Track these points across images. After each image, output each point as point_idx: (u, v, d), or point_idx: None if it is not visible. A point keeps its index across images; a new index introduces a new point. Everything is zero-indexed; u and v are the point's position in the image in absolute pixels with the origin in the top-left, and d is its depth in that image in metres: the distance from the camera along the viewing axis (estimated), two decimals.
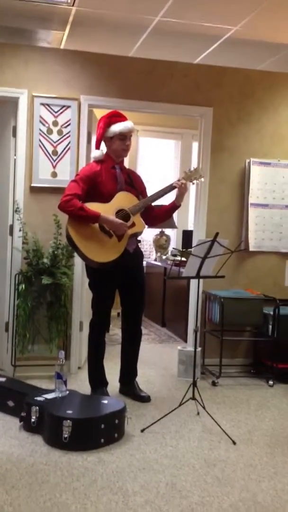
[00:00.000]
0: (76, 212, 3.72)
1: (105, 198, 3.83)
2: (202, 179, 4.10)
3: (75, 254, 4.53)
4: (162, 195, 3.96)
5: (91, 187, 3.83)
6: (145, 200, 3.92)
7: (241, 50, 4.82)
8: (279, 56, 4.92)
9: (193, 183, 4.11)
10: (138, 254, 4.08)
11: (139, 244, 4.10)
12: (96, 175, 3.86)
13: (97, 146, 3.99)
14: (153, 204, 4.04)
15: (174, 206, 4.06)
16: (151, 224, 4.24)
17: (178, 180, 4.00)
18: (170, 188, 3.98)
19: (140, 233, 3.98)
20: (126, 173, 4.03)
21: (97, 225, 3.78)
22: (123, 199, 3.87)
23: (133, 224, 3.86)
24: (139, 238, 4.10)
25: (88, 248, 3.75)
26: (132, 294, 4.08)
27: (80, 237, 3.76)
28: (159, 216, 4.14)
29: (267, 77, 5.08)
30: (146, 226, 4.20)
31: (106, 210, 3.78)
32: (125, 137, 3.91)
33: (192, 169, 4.11)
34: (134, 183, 4.01)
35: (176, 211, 4.21)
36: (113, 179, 3.91)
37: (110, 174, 3.92)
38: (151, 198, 3.93)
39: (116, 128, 3.88)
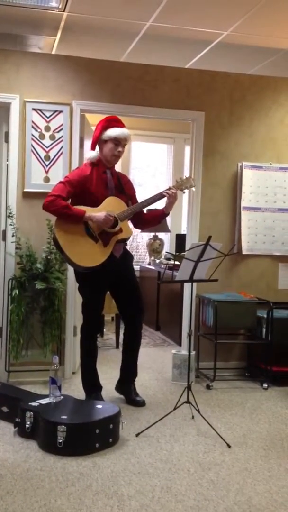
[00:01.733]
0: (60, 211, 3.72)
1: (95, 203, 3.83)
2: (193, 189, 4.10)
3: None
4: (151, 203, 3.97)
5: (79, 191, 3.83)
6: (133, 207, 3.93)
7: (232, 54, 4.85)
8: (270, 60, 4.96)
9: (184, 192, 4.13)
10: (127, 258, 4.07)
11: (126, 246, 4.09)
12: (85, 180, 3.86)
13: (93, 147, 4.00)
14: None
15: (163, 213, 4.07)
16: (140, 228, 4.27)
17: (169, 189, 4.00)
18: (159, 196, 3.98)
19: (127, 239, 3.98)
20: (117, 178, 4.04)
21: (83, 229, 3.78)
22: (111, 204, 3.87)
23: (120, 230, 3.86)
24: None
25: (74, 252, 3.75)
26: (126, 296, 4.08)
27: (66, 241, 3.75)
28: (148, 222, 4.18)
29: (258, 81, 5.11)
30: (139, 231, 4.20)
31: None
32: (119, 143, 3.91)
33: (184, 178, 4.12)
34: (124, 188, 4.01)
35: (169, 215, 4.21)
36: (103, 184, 3.92)
37: (101, 179, 3.92)
38: (140, 205, 3.94)
39: (112, 132, 3.88)
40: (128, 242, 4.10)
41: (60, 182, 3.87)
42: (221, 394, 4.46)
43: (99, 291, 3.99)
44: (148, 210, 4.22)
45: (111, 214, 3.80)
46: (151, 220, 4.15)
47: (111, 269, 3.86)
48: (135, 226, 4.15)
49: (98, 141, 3.95)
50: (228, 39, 4.49)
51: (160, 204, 4.15)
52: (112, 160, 3.97)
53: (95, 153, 3.96)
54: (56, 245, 3.81)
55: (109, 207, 3.84)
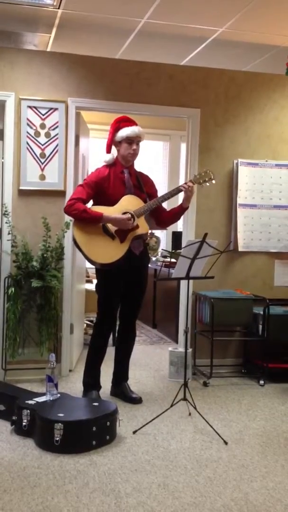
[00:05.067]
0: (79, 214, 3.78)
1: (112, 202, 3.88)
2: (213, 181, 4.09)
3: (64, 256, 4.56)
4: (168, 198, 3.99)
5: (98, 192, 3.89)
6: (150, 203, 3.94)
7: (227, 51, 4.86)
8: (265, 57, 4.96)
9: (203, 186, 4.13)
10: (145, 258, 4.11)
11: (147, 246, 4.13)
12: (103, 180, 3.92)
13: (108, 150, 4.04)
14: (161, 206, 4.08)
15: (182, 208, 4.09)
16: (162, 227, 4.35)
17: (185, 183, 4.02)
18: (176, 191, 4.01)
19: (144, 235, 4.01)
20: (136, 177, 4.06)
21: (100, 227, 3.82)
22: (128, 202, 3.91)
23: (137, 226, 3.89)
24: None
25: (91, 250, 3.81)
26: (132, 297, 4.10)
27: (84, 239, 3.82)
28: (168, 219, 4.18)
29: (253, 78, 5.11)
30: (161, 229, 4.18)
31: (111, 212, 3.82)
32: (132, 141, 3.95)
33: (202, 172, 4.13)
34: (143, 187, 4.04)
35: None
36: (121, 183, 3.96)
37: (119, 179, 3.96)
38: (157, 201, 3.96)
39: (124, 132, 3.94)
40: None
41: (79, 185, 3.99)
42: (217, 391, 4.46)
43: (117, 289, 4.01)
44: (165, 209, 4.22)
45: (129, 213, 3.84)
46: (172, 217, 4.17)
47: (129, 266, 3.89)
48: (157, 224, 4.18)
49: (112, 144, 4.02)
50: (223, 36, 4.49)
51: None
52: (130, 159, 4.01)
53: (111, 155, 4.02)
54: (74, 243, 3.89)
55: (126, 205, 3.88)
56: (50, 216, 4.53)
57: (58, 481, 2.82)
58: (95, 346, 4.07)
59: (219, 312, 4.62)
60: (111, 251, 3.83)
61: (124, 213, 3.85)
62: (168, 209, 4.20)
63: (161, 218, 4.14)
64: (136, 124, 4.00)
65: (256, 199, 5.12)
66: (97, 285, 4.09)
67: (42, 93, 4.62)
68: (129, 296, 4.09)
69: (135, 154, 4.01)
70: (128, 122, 3.99)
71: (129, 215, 3.82)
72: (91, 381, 4.06)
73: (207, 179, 4.06)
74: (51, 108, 4.61)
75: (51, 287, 4.40)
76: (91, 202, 3.97)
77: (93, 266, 4.01)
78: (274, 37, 4.49)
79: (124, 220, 3.80)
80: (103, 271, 3.94)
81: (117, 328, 4.36)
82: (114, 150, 4.07)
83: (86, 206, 3.82)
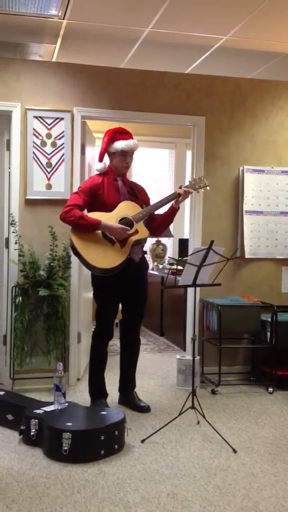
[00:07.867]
0: (76, 221, 3.76)
1: (108, 208, 3.87)
2: (208, 188, 4.10)
3: (71, 265, 4.56)
4: (166, 203, 3.99)
5: (93, 198, 3.89)
6: (148, 208, 3.95)
7: (232, 59, 4.87)
8: (269, 64, 4.97)
9: (198, 192, 4.13)
10: (143, 265, 4.11)
11: (145, 254, 4.11)
12: (97, 187, 3.92)
13: (100, 159, 4.05)
14: (155, 213, 4.07)
15: (173, 210, 4.07)
16: (155, 233, 4.30)
17: (180, 187, 4.02)
18: (173, 196, 4.01)
19: (144, 240, 3.99)
20: (129, 185, 4.07)
21: (100, 232, 3.81)
22: (126, 208, 3.90)
23: (136, 231, 3.87)
24: (144, 249, 4.10)
25: (91, 255, 3.78)
26: (133, 304, 4.10)
27: (83, 245, 3.79)
28: (162, 223, 4.16)
29: (258, 86, 5.12)
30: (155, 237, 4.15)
31: (109, 218, 3.81)
32: (126, 153, 3.97)
33: (197, 177, 4.14)
34: (137, 195, 4.04)
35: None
36: (115, 190, 3.96)
37: (112, 186, 3.97)
38: (155, 206, 3.96)
39: (119, 145, 3.95)
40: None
41: (74, 193, 3.99)
42: (226, 399, 4.44)
43: (115, 297, 4.00)
44: (157, 215, 4.22)
45: (128, 218, 3.82)
46: (165, 221, 4.15)
47: (128, 274, 3.87)
48: (151, 232, 4.18)
49: (106, 153, 4.03)
50: (228, 43, 4.50)
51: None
52: (122, 170, 4.03)
53: (103, 164, 4.03)
54: (73, 250, 3.85)
55: (124, 211, 3.88)
56: (57, 225, 4.52)
57: (66, 491, 2.81)
58: (96, 355, 4.07)
59: (227, 319, 4.60)
60: (111, 256, 3.79)
61: (123, 218, 3.84)
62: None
63: (155, 224, 4.12)
64: (131, 137, 4.01)
65: (263, 206, 5.12)
66: (94, 294, 4.08)
67: (47, 103, 4.64)
68: (131, 304, 4.09)
69: (128, 166, 4.04)
70: (124, 134, 4.00)
71: (127, 227, 3.79)
72: (97, 390, 4.06)
73: (202, 185, 4.06)
74: (57, 118, 4.64)
75: (58, 296, 4.40)
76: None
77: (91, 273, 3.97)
78: (278, 44, 4.50)
79: (121, 229, 3.77)
80: (101, 279, 3.91)
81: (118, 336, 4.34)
82: (106, 158, 4.08)
83: (84, 213, 3.81)
